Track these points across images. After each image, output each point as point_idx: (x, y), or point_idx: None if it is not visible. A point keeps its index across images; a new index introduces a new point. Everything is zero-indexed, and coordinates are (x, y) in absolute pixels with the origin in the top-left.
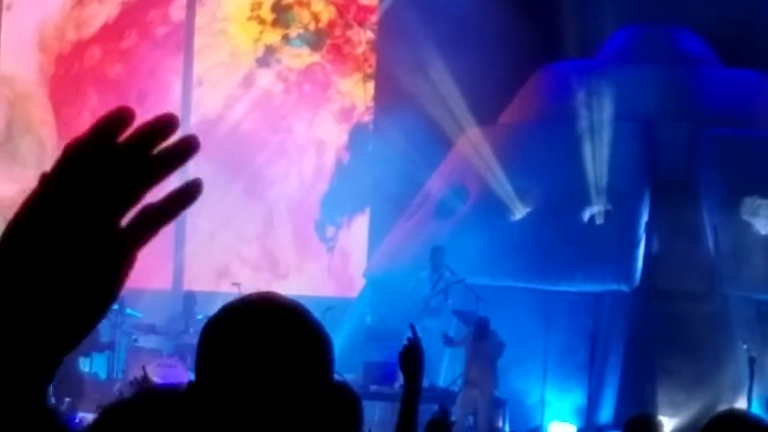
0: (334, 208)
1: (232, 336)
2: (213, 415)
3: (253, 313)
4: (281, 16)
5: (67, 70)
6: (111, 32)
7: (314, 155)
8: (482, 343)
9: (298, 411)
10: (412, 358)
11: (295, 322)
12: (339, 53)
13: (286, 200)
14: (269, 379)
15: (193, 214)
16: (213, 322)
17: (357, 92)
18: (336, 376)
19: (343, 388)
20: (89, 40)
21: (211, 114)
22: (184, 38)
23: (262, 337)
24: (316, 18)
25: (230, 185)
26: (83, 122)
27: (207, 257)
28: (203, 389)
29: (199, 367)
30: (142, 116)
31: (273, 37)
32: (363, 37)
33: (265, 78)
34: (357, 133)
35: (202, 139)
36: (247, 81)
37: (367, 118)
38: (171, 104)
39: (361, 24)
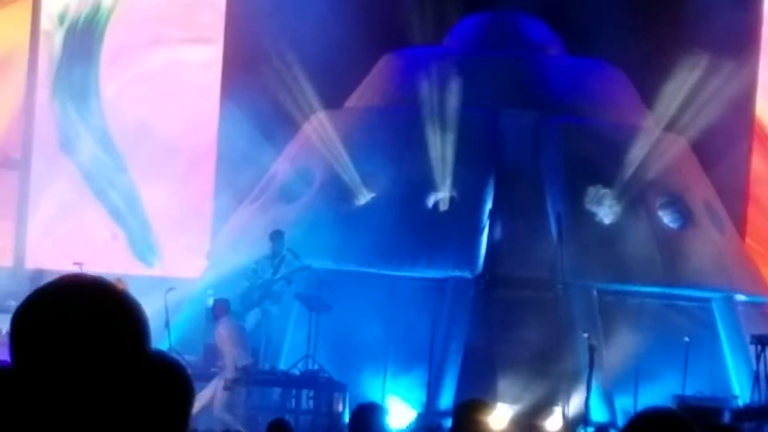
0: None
1: (40, 321)
2: (30, 396)
3: (59, 296)
4: None
5: None
6: None
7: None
8: (214, 324)
9: (113, 384)
10: None
11: (100, 300)
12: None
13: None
14: (80, 357)
15: (34, 194)
16: (21, 308)
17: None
18: (175, 356)
19: (171, 365)
20: None
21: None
22: None
23: (69, 317)
24: None
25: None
26: None
27: (52, 235)
28: (19, 372)
29: (14, 353)
30: None
31: None
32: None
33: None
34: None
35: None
36: None
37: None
38: None
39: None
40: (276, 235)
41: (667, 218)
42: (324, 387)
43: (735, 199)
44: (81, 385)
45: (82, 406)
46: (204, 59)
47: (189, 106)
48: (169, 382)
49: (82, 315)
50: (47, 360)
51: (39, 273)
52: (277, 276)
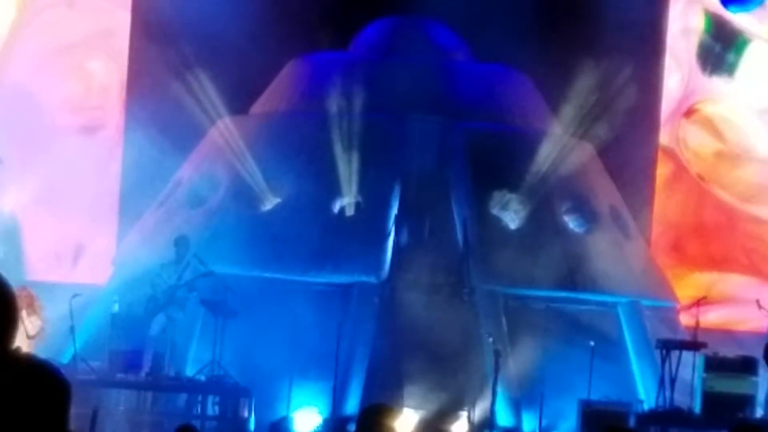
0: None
1: None
2: None
3: None
4: None
5: None
6: None
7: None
8: None
9: None
10: None
11: None
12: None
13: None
14: None
15: None
16: None
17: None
18: (80, 362)
19: (43, 366)
20: None
21: None
22: None
23: None
24: None
25: None
26: None
27: None
28: None
29: None
30: None
31: None
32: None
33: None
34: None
35: None
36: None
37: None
38: None
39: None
40: (180, 241)
41: (572, 223)
42: (230, 392)
43: (641, 204)
44: None
45: None
46: (108, 61)
47: (93, 108)
48: (43, 384)
49: None
50: None
51: None
52: (182, 282)
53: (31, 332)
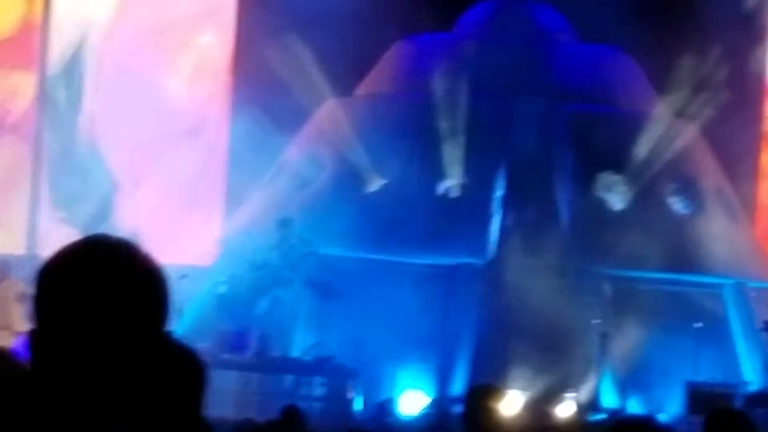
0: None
1: (62, 278)
2: (50, 358)
3: (82, 253)
4: None
5: None
6: None
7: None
8: None
9: (132, 357)
10: None
11: (122, 258)
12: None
13: (143, 165)
14: (101, 316)
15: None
16: (44, 267)
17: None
18: (187, 343)
19: (189, 351)
20: None
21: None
22: None
23: (90, 273)
24: None
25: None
26: None
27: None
28: (41, 336)
29: (36, 312)
30: None
31: None
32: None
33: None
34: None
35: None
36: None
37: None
38: None
39: None
40: (284, 223)
41: (677, 205)
42: (336, 373)
43: (746, 185)
44: (101, 351)
45: (100, 376)
46: (215, 44)
47: (201, 93)
48: (187, 366)
49: (109, 280)
50: (69, 323)
51: None
52: (287, 263)
53: None
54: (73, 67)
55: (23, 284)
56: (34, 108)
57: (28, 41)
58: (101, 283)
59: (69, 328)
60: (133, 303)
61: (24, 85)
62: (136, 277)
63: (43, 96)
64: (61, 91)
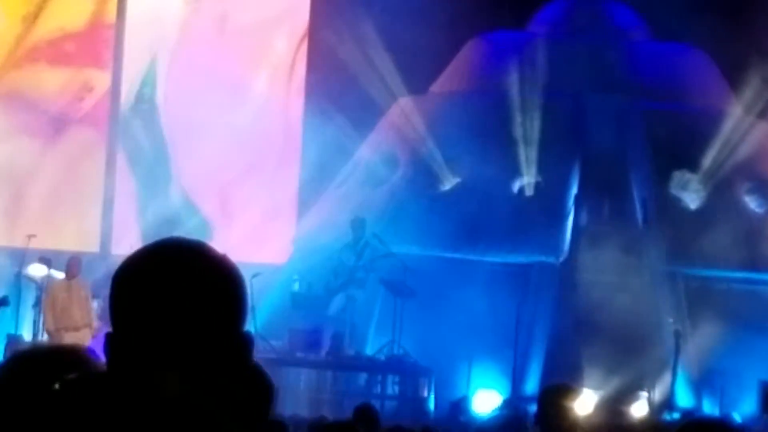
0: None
1: (138, 280)
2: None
3: (157, 255)
4: None
5: None
6: None
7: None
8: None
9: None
10: None
11: (196, 260)
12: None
13: (216, 164)
14: (177, 319)
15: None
16: (119, 270)
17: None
18: (260, 340)
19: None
20: None
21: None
22: None
23: (165, 276)
24: None
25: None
26: None
27: (135, 221)
28: (117, 337)
29: (112, 315)
30: None
31: None
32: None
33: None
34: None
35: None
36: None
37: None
38: None
39: None
40: (357, 222)
41: (753, 203)
42: (409, 372)
43: None
44: (177, 354)
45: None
46: (287, 44)
47: (272, 93)
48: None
49: (184, 282)
50: (144, 325)
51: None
52: (361, 261)
53: None
54: (150, 67)
55: (91, 283)
56: (104, 104)
57: (98, 38)
58: (176, 286)
59: (145, 331)
60: (209, 304)
61: (96, 82)
62: (211, 279)
63: (116, 93)
64: (146, 91)
